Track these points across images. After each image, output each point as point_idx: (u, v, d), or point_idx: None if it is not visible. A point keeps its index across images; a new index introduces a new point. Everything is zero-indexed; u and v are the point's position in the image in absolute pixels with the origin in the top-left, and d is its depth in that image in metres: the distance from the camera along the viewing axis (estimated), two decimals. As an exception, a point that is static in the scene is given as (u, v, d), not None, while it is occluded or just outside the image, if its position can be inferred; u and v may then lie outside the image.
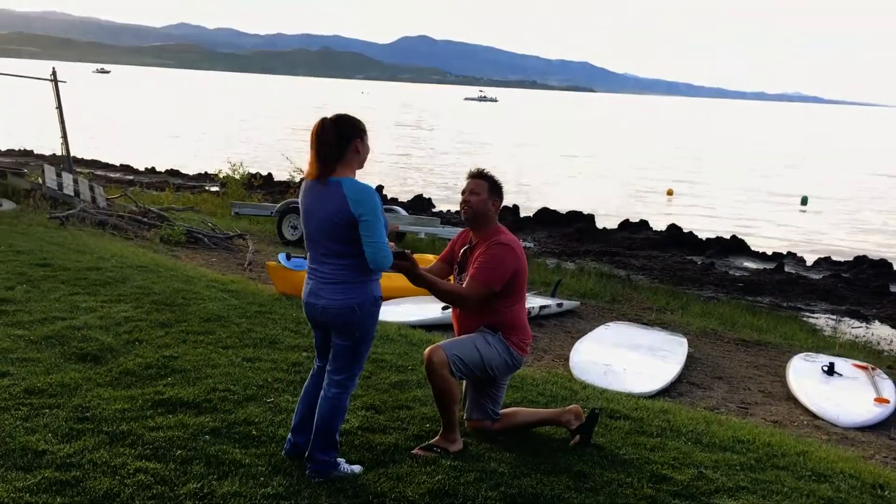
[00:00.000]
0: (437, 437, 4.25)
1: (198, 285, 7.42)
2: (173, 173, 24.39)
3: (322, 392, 3.79)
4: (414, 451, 4.16)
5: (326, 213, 3.57)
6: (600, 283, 12.36)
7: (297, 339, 5.96)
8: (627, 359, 6.94)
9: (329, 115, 3.68)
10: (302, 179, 3.93)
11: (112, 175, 22.81)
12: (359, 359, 3.76)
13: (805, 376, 7.12)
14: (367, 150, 3.73)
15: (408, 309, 8.03)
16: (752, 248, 17.70)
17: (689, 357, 7.72)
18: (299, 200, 3.79)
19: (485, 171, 4.37)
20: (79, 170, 21.24)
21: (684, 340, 8.13)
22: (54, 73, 13.94)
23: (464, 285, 4.25)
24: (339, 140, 3.59)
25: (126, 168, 24.70)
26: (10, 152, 26.38)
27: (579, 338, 7.99)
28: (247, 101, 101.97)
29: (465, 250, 4.45)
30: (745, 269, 16.02)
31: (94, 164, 24.95)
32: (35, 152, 25.60)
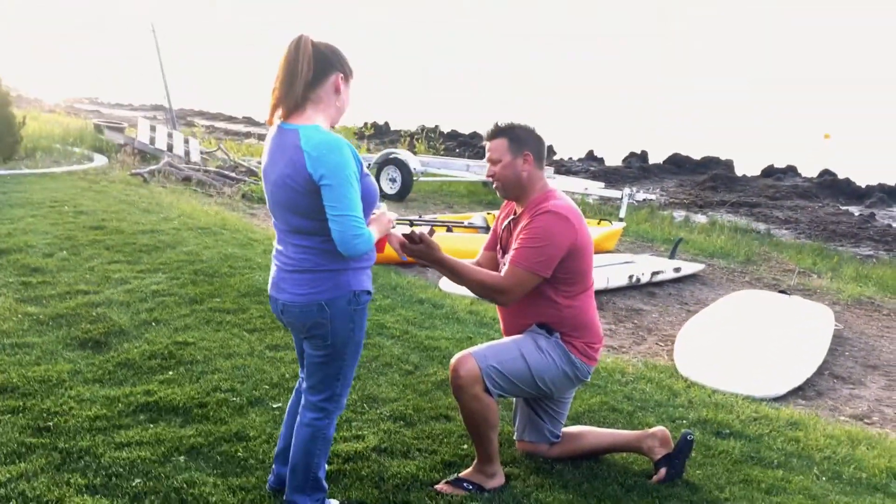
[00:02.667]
0: (470, 469, 3.24)
1: (255, 250, 6.67)
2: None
3: (298, 417, 2.84)
4: (438, 487, 3.17)
5: (280, 175, 2.55)
6: (733, 239, 10.83)
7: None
8: (753, 342, 5.62)
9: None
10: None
11: (232, 127, 22.79)
12: (340, 375, 2.76)
13: None
14: (347, 97, 2.66)
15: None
16: (923, 196, 15.35)
17: (836, 336, 6.28)
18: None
19: (500, 123, 3.20)
20: (200, 122, 21.35)
21: (830, 314, 6.65)
22: (153, 27, 13.61)
23: (503, 271, 3.15)
24: (316, 68, 2.54)
25: (247, 120, 24.69)
26: (142, 107, 27.15)
27: (697, 311, 6.70)
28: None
29: (507, 224, 3.34)
30: (913, 220, 13.83)
31: (218, 116, 25.12)
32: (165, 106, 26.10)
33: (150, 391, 3.85)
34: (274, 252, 2.77)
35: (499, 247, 3.38)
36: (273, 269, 2.75)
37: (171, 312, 4.98)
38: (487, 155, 3.23)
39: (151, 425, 3.54)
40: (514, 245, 3.13)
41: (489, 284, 3.09)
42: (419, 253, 2.94)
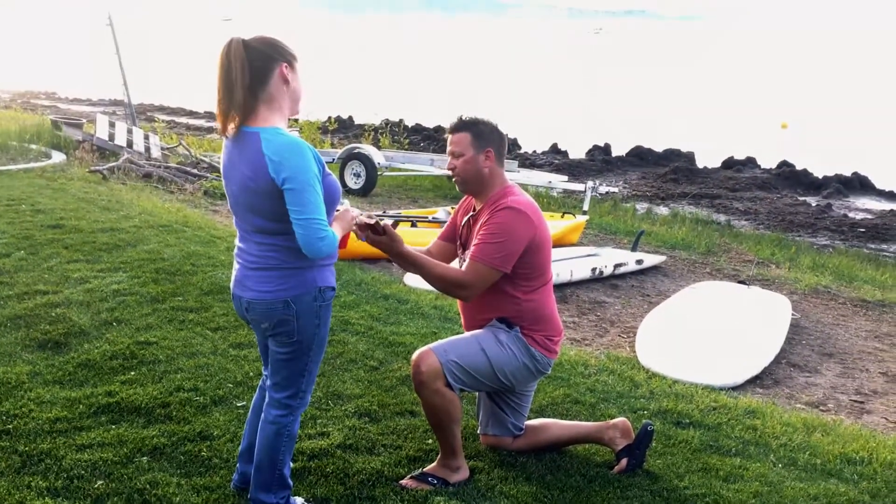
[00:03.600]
0: (435, 464, 3.27)
1: (217, 248, 6.62)
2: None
3: (262, 414, 2.85)
4: (403, 482, 3.20)
5: (241, 178, 2.55)
6: (694, 231, 10.97)
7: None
8: (712, 332, 5.72)
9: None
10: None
11: (194, 122, 22.54)
12: (305, 371, 2.78)
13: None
14: (298, 84, 2.65)
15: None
16: (877, 186, 15.68)
17: (794, 325, 6.41)
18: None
19: (464, 117, 3.23)
20: (160, 117, 21.06)
21: (788, 303, 6.79)
22: (110, 18, 13.37)
23: (463, 267, 3.18)
24: (256, 68, 2.52)
25: (209, 115, 24.38)
26: (100, 101, 26.67)
27: (658, 302, 6.79)
28: (347, 41, 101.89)
29: (466, 220, 3.37)
30: (868, 210, 14.14)
31: (179, 111, 24.79)
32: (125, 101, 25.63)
33: (112, 392, 3.82)
34: (236, 250, 2.77)
35: (458, 243, 3.40)
36: (236, 266, 2.75)
37: (133, 312, 4.93)
38: (449, 148, 3.24)
39: (113, 426, 3.52)
40: (474, 241, 3.16)
41: (450, 279, 3.12)
42: (383, 245, 2.95)
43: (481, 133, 3.20)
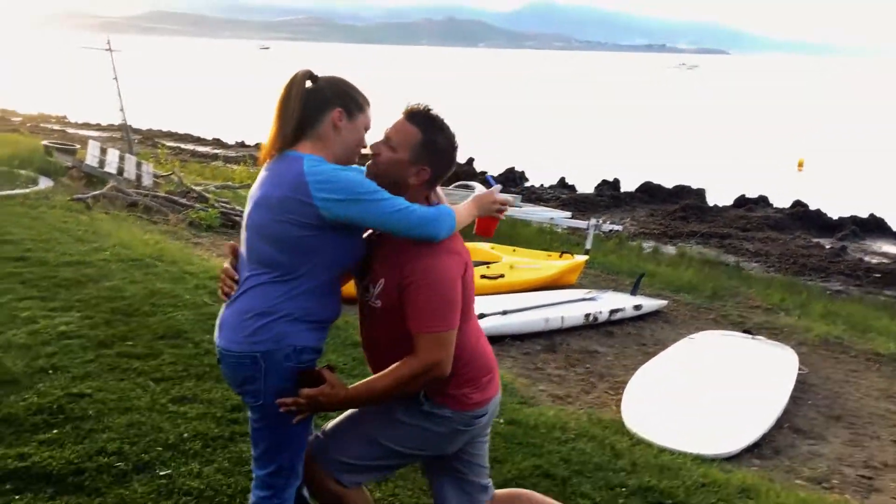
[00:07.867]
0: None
1: (186, 285, 6.25)
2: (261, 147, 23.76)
3: (250, 496, 2.44)
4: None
5: (264, 194, 2.27)
6: (701, 272, 10.53)
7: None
8: (708, 391, 5.27)
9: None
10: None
11: (200, 149, 22.38)
12: (288, 443, 2.35)
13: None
14: (356, 132, 2.37)
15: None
16: (895, 229, 15.16)
17: (800, 382, 5.94)
18: None
19: (426, 109, 2.46)
20: (167, 143, 20.93)
21: (794, 358, 6.32)
22: (109, 43, 13.21)
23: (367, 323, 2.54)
24: (309, 107, 2.31)
25: (216, 142, 24.28)
26: (109, 127, 26.63)
27: (655, 352, 6.34)
28: (366, 72, 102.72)
29: (368, 234, 2.56)
30: (885, 254, 13.64)
31: (187, 137, 24.70)
32: (133, 127, 25.51)
33: (25, 455, 3.42)
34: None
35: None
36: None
37: (73, 358, 4.54)
38: (388, 129, 2.48)
39: (17, 497, 3.12)
40: (409, 306, 2.38)
41: (413, 374, 2.35)
42: (325, 399, 2.31)
43: (434, 145, 2.44)
